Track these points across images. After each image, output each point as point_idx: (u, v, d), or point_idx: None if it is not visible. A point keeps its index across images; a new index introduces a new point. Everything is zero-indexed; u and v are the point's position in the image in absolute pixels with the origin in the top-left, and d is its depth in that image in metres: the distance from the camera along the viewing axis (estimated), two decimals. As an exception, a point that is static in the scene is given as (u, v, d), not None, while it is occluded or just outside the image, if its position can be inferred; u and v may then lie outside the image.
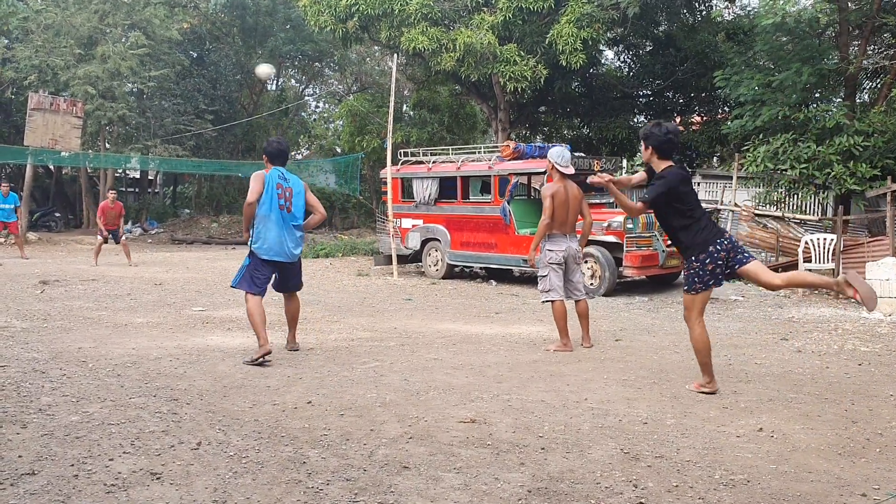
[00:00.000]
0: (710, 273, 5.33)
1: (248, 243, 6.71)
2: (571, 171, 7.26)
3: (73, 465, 3.82)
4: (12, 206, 17.19)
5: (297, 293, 7.06)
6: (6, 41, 24.53)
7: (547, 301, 7.26)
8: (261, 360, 6.26)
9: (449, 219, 13.93)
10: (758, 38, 15.12)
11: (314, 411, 4.88)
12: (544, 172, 12.06)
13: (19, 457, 3.91)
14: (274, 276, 6.80)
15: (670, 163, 5.52)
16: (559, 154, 7.25)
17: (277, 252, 6.58)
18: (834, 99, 16.50)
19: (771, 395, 5.49)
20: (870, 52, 15.94)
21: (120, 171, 27.95)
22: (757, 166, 14.24)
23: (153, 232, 26.34)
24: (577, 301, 7.33)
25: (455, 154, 14.39)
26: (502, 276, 13.88)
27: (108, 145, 26.03)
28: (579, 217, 7.35)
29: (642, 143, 5.57)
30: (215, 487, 3.59)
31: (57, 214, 27.67)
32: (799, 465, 3.99)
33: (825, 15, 14.90)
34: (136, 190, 32.37)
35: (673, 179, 5.38)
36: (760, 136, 14.59)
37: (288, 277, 6.88)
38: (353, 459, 3.98)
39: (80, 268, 14.95)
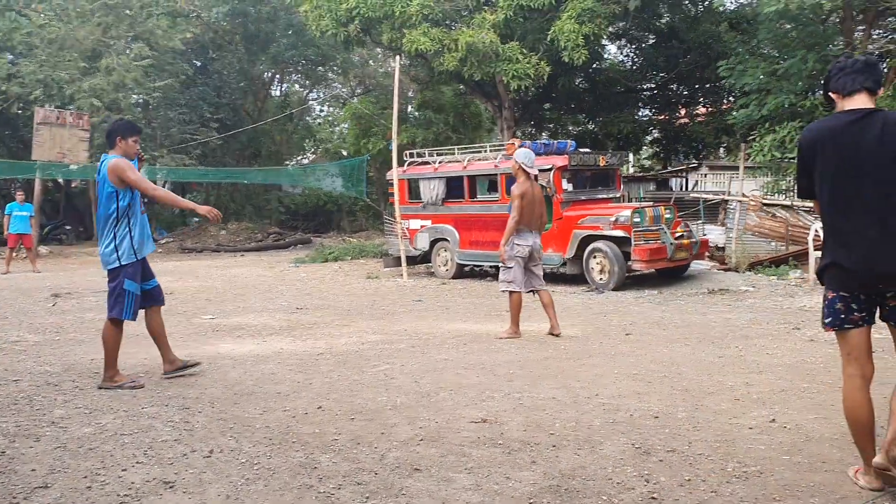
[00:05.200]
0: None
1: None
2: (536, 171, 7.88)
3: (86, 477, 3.84)
4: (28, 215, 17.27)
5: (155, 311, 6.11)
6: (10, 56, 24.63)
7: (506, 291, 7.78)
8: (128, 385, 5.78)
9: (457, 218, 13.92)
10: (761, 27, 15.06)
11: (325, 416, 4.89)
12: (550, 169, 12.10)
13: (32, 470, 3.93)
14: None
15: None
16: (526, 155, 7.78)
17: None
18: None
19: (783, 385, 5.47)
20: (874, 37, 15.85)
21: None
22: (764, 155, 14.17)
23: (162, 241, 26.41)
24: (540, 292, 7.85)
25: (461, 153, 14.38)
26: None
27: (115, 157, 26.11)
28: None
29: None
30: (228, 495, 3.60)
31: (67, 227, 27.79)
32: (813, 455, 3.97)
33: (829, 1, 14.83)
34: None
35: None
36: (767, 125, 14.51)
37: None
38: (365, 463, 3.99)
39: (92, 279, 15.00)
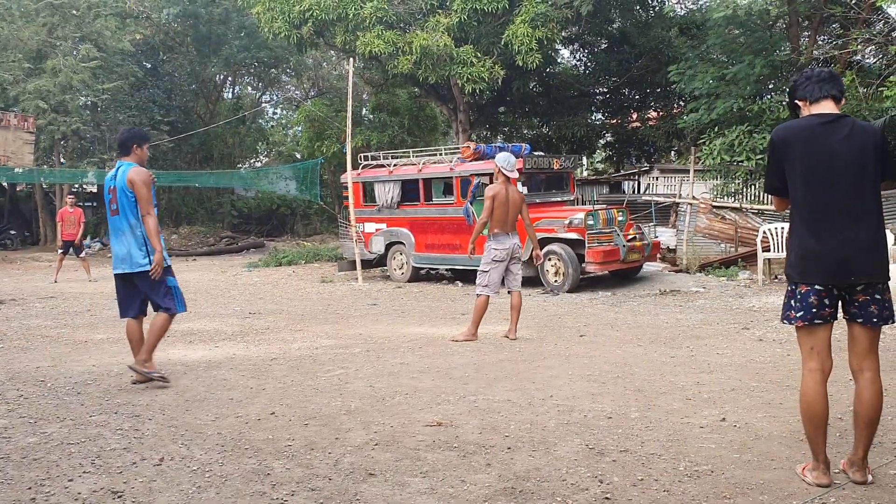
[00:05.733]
0: None
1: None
2: (516, 175, 7.87)
3: (30, 489, 3.73)
4: None
5: (162, 314, 6.00)
6: (-48, 57, 23.98)
7: (480, 294, 7.73)
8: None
9: (412, 221, 13.90)
10: (710, 32, 15.34)
11: (278, 422, 4.83)
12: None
13: (-26, 482, 3.81)
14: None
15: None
16: (505, 159, 7.81)
17: (120, 262, 5.89)
18: (786, 90, 16.79)
19: (733, 384, 5.56)
20: (820, 43, 16.26)
21: (77, 185, 27.44)
22: (713, 159, 14.43)
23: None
24: (512, 293, 7.87)
25: (416, 156, 14.36)
26: (468, 276, 13.87)
27: (62, 160, 25.56)
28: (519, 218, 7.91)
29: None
30: (179, 503, 3.53)
31: (12, 232, 27.08)
32: (762, 453, 4.04)
33: (775, 7, 15.17)
34: (94, 204, 31.78)
35: None
36: (716, 129, 14.78)
37: (148, 293, 6.00)
38: (318, 469, 3.95)
39: (37, 285, 14.66)
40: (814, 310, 3.50)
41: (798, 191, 3.54)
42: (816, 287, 3.49)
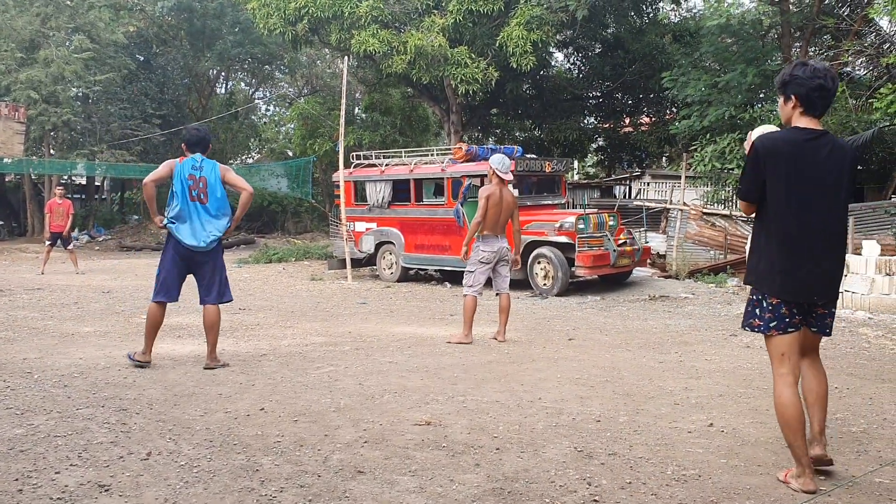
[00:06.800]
0: None
1: (165, 222, 6.26)
2: (510, 177, 7.80)
3: (17, 480, 3.72)
4: None
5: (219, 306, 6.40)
6: (-57, 45, 23.82)
7: (467, 294, 7.71)
8: (139, 363, 6.28)
9: (403, 222, 13.90)
10: (703, 40, 15.41)
11: (267, 418, 4.82)
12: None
13: (-40, 473, 3.79)
14: (189, 279, 6.40)
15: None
16: (500, 161, 7.75)
17: (191, 242, 6.16)
18: (777, 99, 16.89)
19: (721, 390, 5.59)
20: (811, 53, 16.34)
21: (66, 177, 27.30)
22: (705, 166, 14.49)
23: (101, 239, 25.80)
24: (501, 295, 7.85)
25: (408, 157, 14.37)
26: (457, 278, 13.88)
27: (52, 151, 25.43)
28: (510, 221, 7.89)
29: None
30: (166, 498, 3.52)
31: (0, 223, 26.95)
32: (749, 458, 4.07)
33: (768, 17, 15.26)
34: (83, 196, 31.67)
35: None
36: (708, 136, 14.85)
37: (204, 277, 6.34)
38: (307, 466, 3.95)
39: (24, 276, 14.58)
40: (787, 319, 3.64)
41: (776, 205, 3.60)
42: (786, 304, 3.64)
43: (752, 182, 3.67)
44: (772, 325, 3.65)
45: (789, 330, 3.63)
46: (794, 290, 3.60)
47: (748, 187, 3.71)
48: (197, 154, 6.33)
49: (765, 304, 3.67)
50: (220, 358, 6.49)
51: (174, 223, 6.20)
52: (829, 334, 3.80)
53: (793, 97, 3.64)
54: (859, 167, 14.66)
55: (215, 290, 6.38)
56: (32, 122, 22.38)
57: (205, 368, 6.31)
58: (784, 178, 3.55)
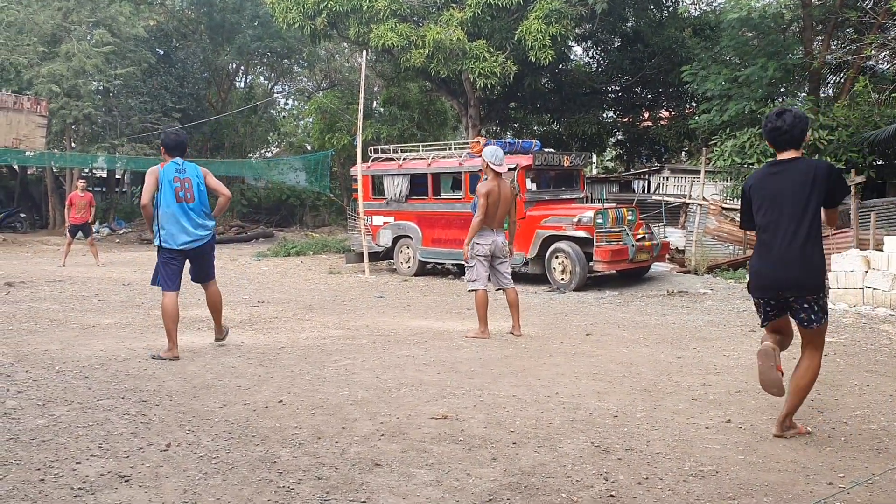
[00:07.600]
0: None
1: (154, 241, 6.67)
2: (504, 169, 7.73)
3: (39, 469, 3.77)
4: None
5: (215, 282, 6.99)
6: (-33, 40, 24.05)
7: (472, 290, 7.69)
8: (166, 358, 6.43)
9: (420, 216, 13.91)
10: (724, 34, 15.28)
11: (285, 410, 4.85)
12: (514, 168, 12.14)
13: (-16, 462, 3.85)
14: (187, 265, 6.76)
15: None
16: (493, 153, 7.64)
17: (184, 239, 6.53)
18: (799, 93, 16.73)
19: (739, 386, 5.56)
20: (833, 47, 16.17)
21: (87, 170, 27.51)
22: (724, 160, 14.38)
23: (121, 232, 26.00)
24: (506, 291, 7.80)
25: (425, 151, 14.36)
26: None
27: (73, 144, 25.65)
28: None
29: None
30: (185, 489, 3.56)
31: (22, 215, 27.19)
32: (767, 455, 4.05)
33: (789, 10, 15.11)
34: (104, 189, 31.90)
35: None
36: (727, 131, 14.73)
37: (201, 265, 6.82)
38: (325, 458, 3.97)
39: (46, 269, 14.73)
40: (770, 313, 4.43)
41: (757, 221, 4.38)
42: (760, 300, 4.41)
43: (744, 213, 4.57)
44: (763, 322, 4.49)
45: (774, 319, 4.42)
46: (759, 289, 4.37)
47: (742, 217, 4.65)
48: (177, 157, 6.64)
49: (754, 303, 4.51)
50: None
51: (164, 230, 6.49)
52: (806, 327, 4.28)
53: (767, 141, 4.47)
54: (881, 162, 14.51)
55: (209, 273, 6.90)
56: (54, 116, 22.59)
57: (216, 341, 7.07)
58: (758, 201, 4.36)
